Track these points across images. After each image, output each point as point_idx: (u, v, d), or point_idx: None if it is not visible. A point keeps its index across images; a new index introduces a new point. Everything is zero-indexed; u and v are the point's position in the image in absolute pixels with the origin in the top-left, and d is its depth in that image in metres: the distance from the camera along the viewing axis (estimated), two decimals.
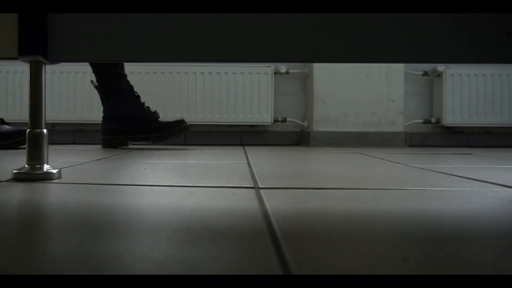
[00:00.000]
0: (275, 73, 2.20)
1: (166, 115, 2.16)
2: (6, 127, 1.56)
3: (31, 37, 0.65)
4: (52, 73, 2.15)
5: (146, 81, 2.17)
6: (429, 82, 2.32)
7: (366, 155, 1.37)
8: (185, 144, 2.16)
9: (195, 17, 0.66)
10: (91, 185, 0.61)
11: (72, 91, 2.17)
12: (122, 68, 1.68)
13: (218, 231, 0.37)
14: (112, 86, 1.66)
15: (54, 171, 0.67)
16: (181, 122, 1.69)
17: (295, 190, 0.59)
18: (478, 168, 0.95)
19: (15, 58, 0.66)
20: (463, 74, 2.20)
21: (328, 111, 2.10)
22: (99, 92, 1.70)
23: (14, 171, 0.66)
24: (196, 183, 0.65)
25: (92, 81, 1.72)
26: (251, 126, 2.22)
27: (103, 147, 1.66)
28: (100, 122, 2.18)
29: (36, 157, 0.67)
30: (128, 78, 2.29)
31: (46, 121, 0.69)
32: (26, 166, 0.67)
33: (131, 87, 1.69)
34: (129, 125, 1.64)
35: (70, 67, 2.16)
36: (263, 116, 2.14)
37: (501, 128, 2.23)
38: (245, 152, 1.45)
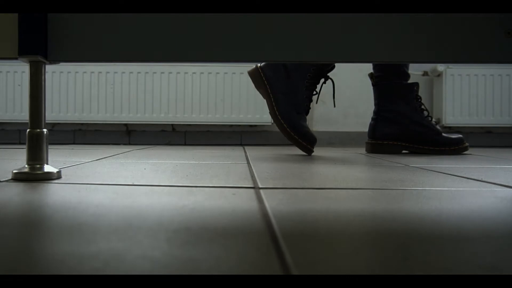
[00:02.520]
0: None
1: (166, 115, 2.16)
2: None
3: (31, 37, 0.65)
4: (52, 73, 2.15)
5: (146, 81, 2.17)
6: (429, 82, 2.32)
7: (366, 155, 1.37)
8: (185, 145, 2.16)
9: (195, 17, 0.66)
10: (91, 185, 0.61)
11: (72, 91, 2.17)
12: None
13: (218, 231, 0.37)
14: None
15: (54, 171, 0.67)
16: (461, 141, 1.44)
17: (295, 190, 0.59)
18: (478, 168, 0.95)
19: (15, 58, 0.66)
20: (463, 74, 2.20)
21: (328, 111, 2.10)
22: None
23: (14, 171, 0.66)
24: (196, 183, 0.65)
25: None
26: (251, 126, 2.22)
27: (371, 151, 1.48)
28: (100, 122, 2.19)
29: (36, 157, 0.67)
30: (128, 78, 2.29)
31: (46, 121, 0.69)
32: (26, 166, 0.67)
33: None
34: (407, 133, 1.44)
35: (70, 67, 2.16)
36: (263, 116, 2.14)
37: (501, 128, 2.23)
38: (245, 152, 1.45)
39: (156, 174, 0.76)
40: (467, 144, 1.45)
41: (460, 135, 1.47)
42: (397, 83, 1.46)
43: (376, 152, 1.45)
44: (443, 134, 1.45)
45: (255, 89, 2.16)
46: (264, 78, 1.36)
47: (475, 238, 0.35)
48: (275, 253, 0.30)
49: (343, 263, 0.29)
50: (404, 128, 1.43)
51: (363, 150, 1.53)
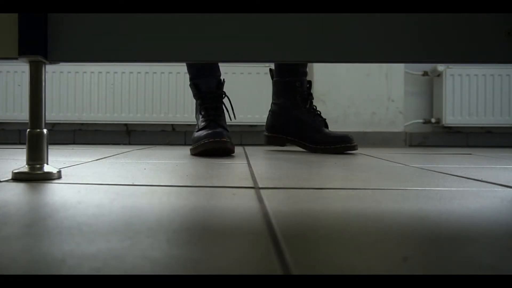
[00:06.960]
0: None
1: (166, 115, 2.16)
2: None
3: (31, 37, 0.65)
4: (52, 73, 2.15)
5: (146, 81, 2.17)
6: (429, 82, 2.32)
7: (366, 155, 1.37)
8: (185, 145, 2.16)
9: (196, 17, 0.66)
10: (91, 185, 0.61)
11: (72, 91, 2.17)
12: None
13: (218, 231, 0.37)
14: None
15: (54, 171, 0.67)
16: (342, 140, 1.41)
17: (295, 190, 0.59)
18: (478, 168, 0.95)
19: (15, 58, 0.66)
20: (463, 74, 2.20)
21: (328, 111, 2.10)
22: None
23: (14, 171, 0.66)
24: (196, 183, 0.65)
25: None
26: (251, 126, 2.22)
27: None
28: (100, 122, 2.19)
29: (36, 157, 0.67)
30: (128, 78, 2.29)
31: (46, 121, 0.69)
32: (26, 166, 0.67)
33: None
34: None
35: (70, 67, 2.16)
36: (263, 116, 2.14)
37: (501, 128, 2.23)
38: (245, 152, 1.45)
39: (156, 174, 0.76)
40: (352, 144, 1.39)
41: (346, 134, 1.42)
42: (285, 80, 1.51)
43: (268, 144, 1.57)
44: (327, 131, 1.45)
45: (255, 90, 2.16)
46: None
47: (475, 238, 0.35)
48: (275, 253, 0.30)
49: (343, 263, 0.29)
50: (285, 121, 1.51)
51: (363, 150, 1.53)
